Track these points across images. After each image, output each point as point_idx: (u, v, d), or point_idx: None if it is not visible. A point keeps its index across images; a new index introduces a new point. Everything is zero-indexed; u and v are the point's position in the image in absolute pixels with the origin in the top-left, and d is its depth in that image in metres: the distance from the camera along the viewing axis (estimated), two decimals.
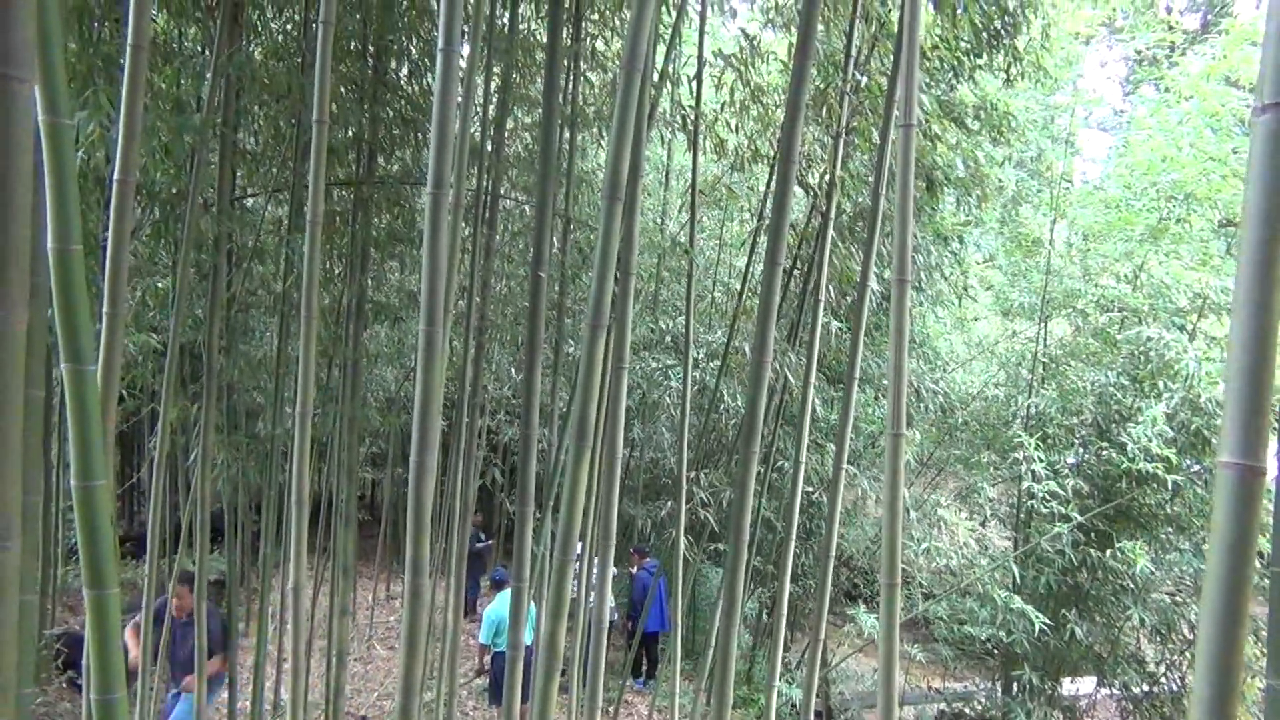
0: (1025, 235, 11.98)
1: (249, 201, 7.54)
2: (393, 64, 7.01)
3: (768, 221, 7.60)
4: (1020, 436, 8.84)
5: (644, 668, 11.00)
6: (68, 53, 4.77)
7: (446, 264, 2.98)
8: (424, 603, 2.85)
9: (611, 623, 7.41)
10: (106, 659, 2.27)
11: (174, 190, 5.60)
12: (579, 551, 4.60)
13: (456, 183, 4.26)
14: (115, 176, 2.80)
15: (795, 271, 7.91)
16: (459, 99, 3.33)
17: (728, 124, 7.13)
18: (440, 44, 2.81)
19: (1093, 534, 8.64)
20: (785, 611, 4.85)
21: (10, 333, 1.50)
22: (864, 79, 6.14)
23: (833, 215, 5.37)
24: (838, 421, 9.69)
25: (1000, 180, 8.79)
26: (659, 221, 11.62)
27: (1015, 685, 9.14)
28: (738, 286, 10.42)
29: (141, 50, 2.85)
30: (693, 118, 6.46)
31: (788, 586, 4.89)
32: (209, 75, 5.12)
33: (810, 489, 9.40)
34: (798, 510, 5.03)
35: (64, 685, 8.15)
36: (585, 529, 5.69)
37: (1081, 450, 9.37)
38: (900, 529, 2.93)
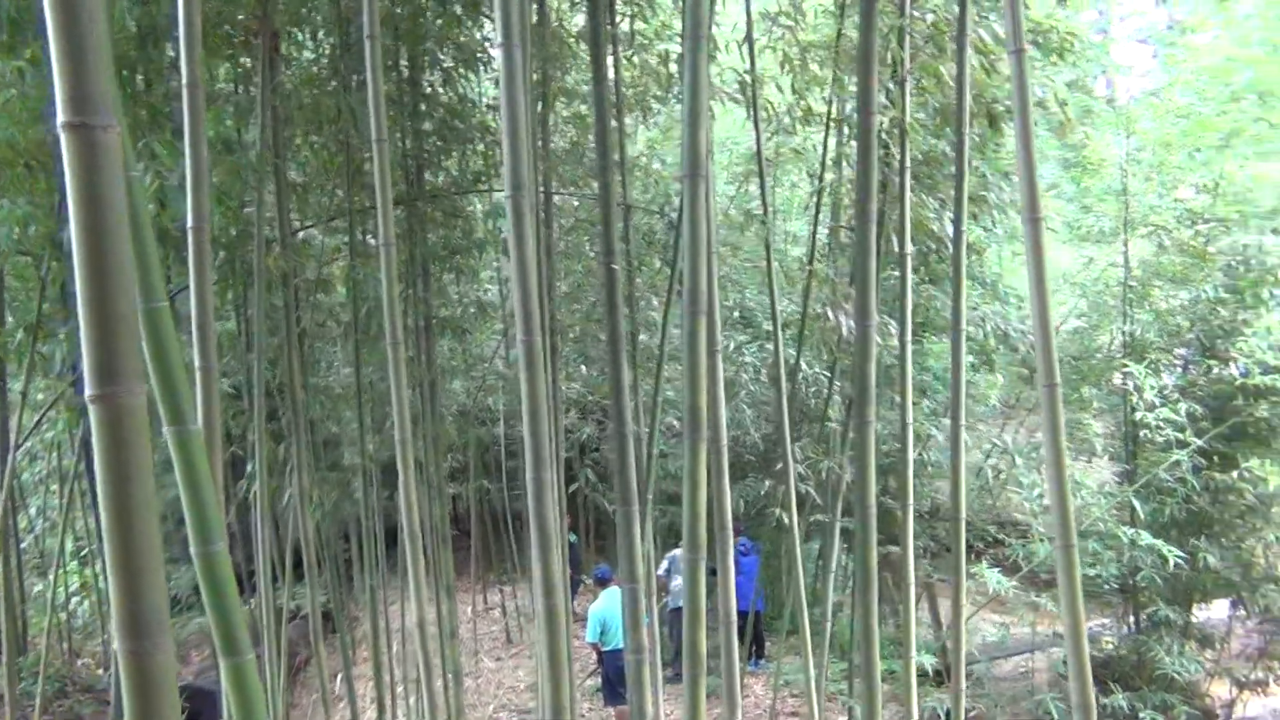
0: (1086, 159, 11.55)
1: (300, 234, 7.52)
2: (427, 75, 6.91)
3: (825, 184, 7.41)
4: (1129, 365, 8.51)
5: (752, 649, 10.82)
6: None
7: (535, 269, 2.84)
8: (561, 624, 2.71)
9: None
10: None
11: (233, 232, 5.55)
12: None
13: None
14: (189, 225, 2.68)
15: None
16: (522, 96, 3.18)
17: (778, 86, 6.93)
18: (499, 40, 2.68)
19: (1214, 457, 8.31)
20: (913, 580, 4.63)
21: (128, 407, 1.31)
22: (929, 16, 5.90)
23: (908, 164, 5.13)
24: (926, 376, 9.48)
25: (1064, 102, 8.43)
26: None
27: (1143, 620, 8.84)
28: (796, 252, 10.18)
29: (197, 89, 2.72)
30: (749, 83, 6.27)
31: (912, 553, 4.67)
32: (256, 110, 5.05)
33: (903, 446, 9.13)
34: (911, 474, 4.81)
35: None
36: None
37: (1182, 372, 9.00)
38: (1068, 486, 2.70)
